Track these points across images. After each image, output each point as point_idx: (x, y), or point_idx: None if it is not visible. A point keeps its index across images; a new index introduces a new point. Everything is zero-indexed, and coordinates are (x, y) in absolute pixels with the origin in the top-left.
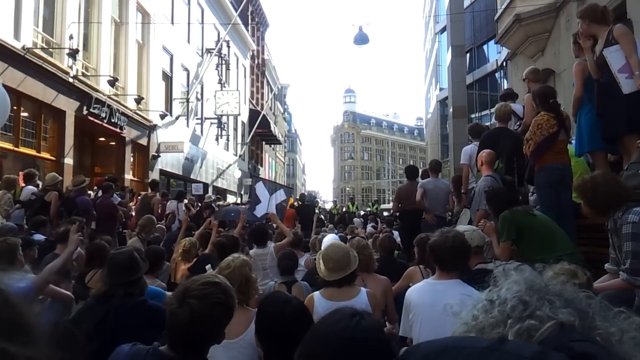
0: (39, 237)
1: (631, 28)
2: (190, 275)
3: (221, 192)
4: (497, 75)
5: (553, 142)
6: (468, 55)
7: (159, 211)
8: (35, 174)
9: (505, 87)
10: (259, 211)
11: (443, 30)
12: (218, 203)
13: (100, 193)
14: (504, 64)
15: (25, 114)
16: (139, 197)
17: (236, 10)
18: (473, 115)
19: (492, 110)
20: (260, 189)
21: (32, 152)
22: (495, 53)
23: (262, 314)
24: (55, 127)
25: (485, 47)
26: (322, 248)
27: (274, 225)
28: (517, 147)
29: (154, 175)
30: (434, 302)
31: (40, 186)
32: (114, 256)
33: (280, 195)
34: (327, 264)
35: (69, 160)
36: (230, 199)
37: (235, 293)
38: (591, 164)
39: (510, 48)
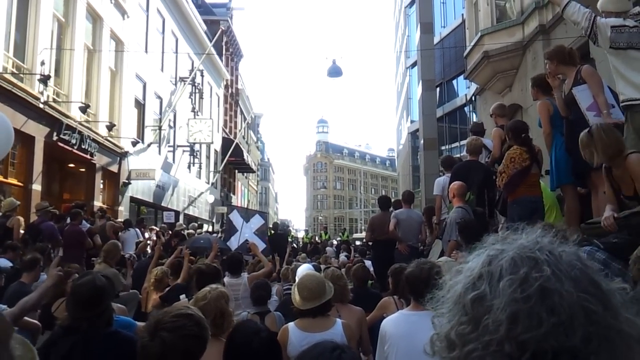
0: (4, 262)
1: (594, 66)
2: (162, 304)
3: (193, 220)
4: (466, 109)
5: (526, 176)
6: (438, 89)
7: (115, 236)
8: None
9: (475, 121)
10: (234, 242)
11: (414, 65)
12: (189, 232)
13: (68, 220)
14: (473, 98)
15: None
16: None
17: (210, 41)
18: (443, 147)
19: (462, 142)
20: (235, 217)
21: None
22: (464, 88)
23: (230, 344)
24: (24, 152)
25: (454, 81)
26: (297, 278)
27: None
28: (488, 179)
29: (125, 202)
30: (409, 333)
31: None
32: (75, 289)
33: (257, 221)
34: (302, 292)
35: (37, 187)
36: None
37: (209, 325)
38: (560, 197)
39: (479, 83)
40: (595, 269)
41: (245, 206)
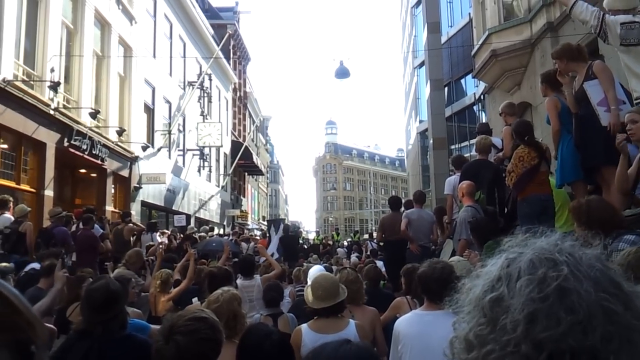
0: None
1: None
2: (174, 307)
3: (204, 223)
4: (475, 108)
5: (535, 174)
6: (446, 88)
7: (132, 239)
8: (8, 200)
9: (483, 120)
10: (270, 250)
11: (421, 64)
12: (200, 235)
13: (80, 225)
14: (482, 97)
15: (5, 146)
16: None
17: (218, 45)
18: (453, 147)
19: (472, 141)
20: (272, 231)
21: (12, 184)
22: (472, 87)
23: (242, 346)
24: (36, 159)
25: (463, 81)
26: (309, 279)
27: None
28: (497, 178)
29: (136, 206)
30: (423, 333)
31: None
32: (89, 293)
33: (280, 228)
34: (317, 291)
35: (49, 192)
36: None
37: (223, 328)
38: (570, 194)
39: (487, 82)
40: (618, 271)
41: (256, 209)
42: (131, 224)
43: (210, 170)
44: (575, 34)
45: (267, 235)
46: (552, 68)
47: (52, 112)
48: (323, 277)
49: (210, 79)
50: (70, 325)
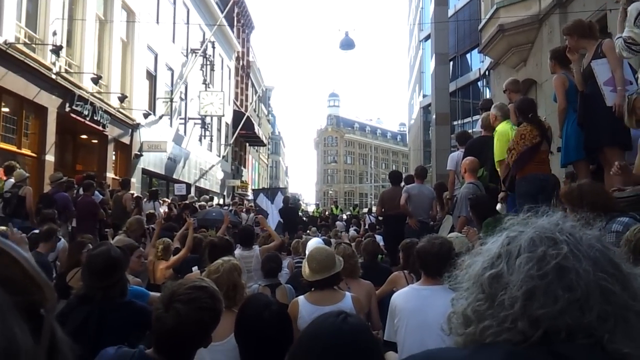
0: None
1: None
2: (175, 276)
3: (204, 193)
4: (479, 83)
5: (535, 153)
6: (451, 63)
7: (132, 207)
8: (15, 166)
9: (487, 97)
10: (273, 223)
11: (427, 38)
12: (200, 204)
13: (81, 191)
14: (487, 72)
15: (6, 110)
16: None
17: (222, 12)
18: (455, 123)
19: (475, 118)
20: (262, 200)
21: (13, 148)
22: (478, 62)
23: (241, 315)
24: (37, 123)
25: (468, 55)
26: (307, 252)
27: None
28: None
29: (137, 174)
30: (419, 308)
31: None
32: (90, 259)
33: (280, 199)
34: (311, 264)
35: (50, 157)
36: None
37: (222, 297)
38: (572, 173)
39: (493, 57)
40: (618, 253)
41: (256, 180)
42: (130, 194)
43: (211, 140)
44: (585, 11)
45: (256, 205)
46: (562, 45)
47: (53, 76)
48: (317, 251)
49: (213, 47)
50: (70, 291)
